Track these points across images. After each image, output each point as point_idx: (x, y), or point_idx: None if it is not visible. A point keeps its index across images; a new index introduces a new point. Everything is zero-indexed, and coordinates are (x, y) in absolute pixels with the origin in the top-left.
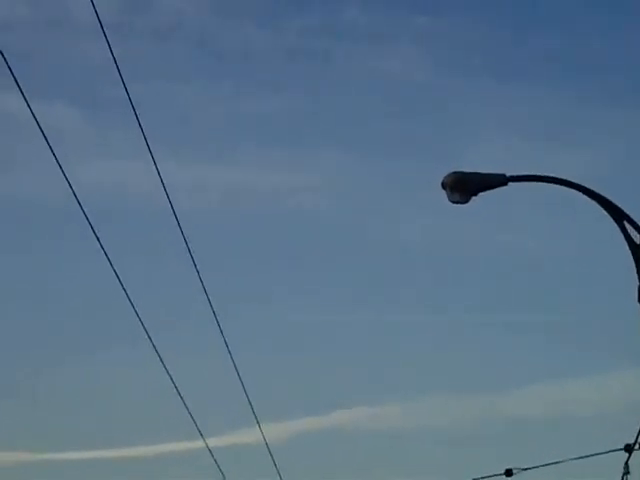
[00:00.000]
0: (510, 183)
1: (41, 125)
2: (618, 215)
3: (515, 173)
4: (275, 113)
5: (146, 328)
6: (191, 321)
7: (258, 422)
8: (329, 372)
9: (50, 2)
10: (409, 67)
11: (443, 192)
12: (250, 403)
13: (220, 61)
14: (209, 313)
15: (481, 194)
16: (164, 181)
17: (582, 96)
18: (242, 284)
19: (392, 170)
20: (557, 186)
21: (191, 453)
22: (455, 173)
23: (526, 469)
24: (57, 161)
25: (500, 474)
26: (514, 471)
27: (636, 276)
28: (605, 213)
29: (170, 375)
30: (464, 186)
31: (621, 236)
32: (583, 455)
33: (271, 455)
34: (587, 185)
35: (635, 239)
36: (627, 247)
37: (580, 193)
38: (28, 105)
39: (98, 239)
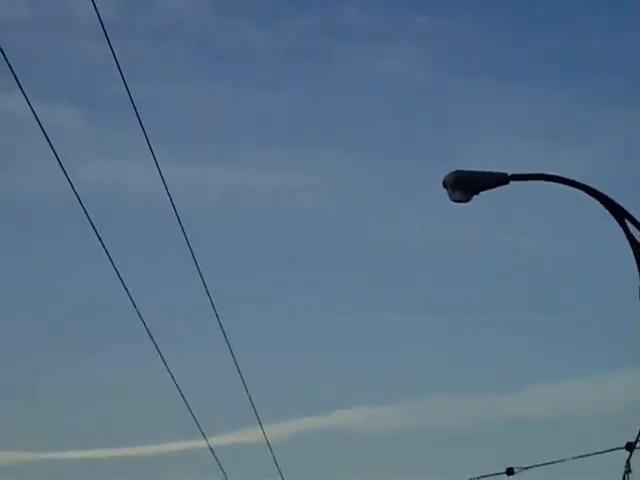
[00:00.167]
0: (512, 182)
1: (42, 125)
2: (620, 214)
3: (517, 173)
4: (275, 113)
5: (148, 328)
6: (192, 321)
7: (260, 422)
8: (330, 372)
9: (51, 2)
10: (409, 67)
11: (443, 192)
12: (252, 403)
13: (220, 61)
14: (210, 313)
15: (482, 194)
16: (165, 180)
17: (582, 96)
18: (242, 284)
19: (392, 170)
20: (557, 185)
21: (193, 453)
22: (457, 172)
23: (527, 468)
24: (59, 161)
25: (501, 473)
26: (515, 470)
27: (637, 275)
28: (607, 212)
29: (172, 375)
30: (465, 185)
31: (623, 235)
32: (584, 454)
33: (272, 455)
34: (588, 184)
35: (637, 238)
36: (629, 246)
37: (581, 192)
38: (30, 105)
39: (100, 239)
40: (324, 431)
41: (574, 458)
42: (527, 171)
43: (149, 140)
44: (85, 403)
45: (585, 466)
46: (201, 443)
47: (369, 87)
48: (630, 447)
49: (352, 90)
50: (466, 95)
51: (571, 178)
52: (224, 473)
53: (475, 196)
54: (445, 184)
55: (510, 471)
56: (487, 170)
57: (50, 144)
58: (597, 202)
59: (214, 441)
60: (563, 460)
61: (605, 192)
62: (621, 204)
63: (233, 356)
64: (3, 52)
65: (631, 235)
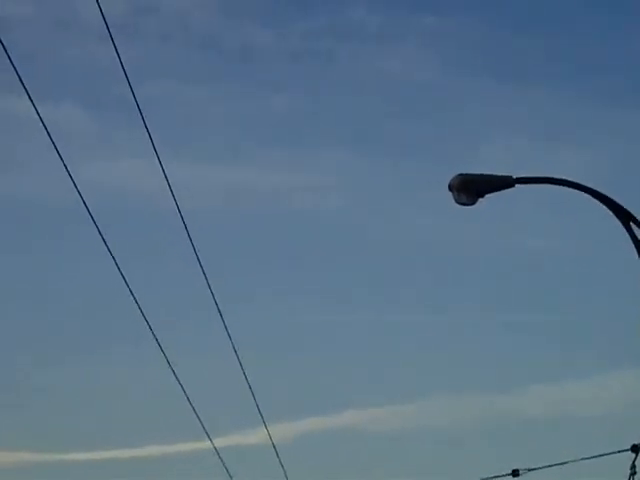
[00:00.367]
0: (516, 185)
1: (46, 125)
2: (625, 217)
3: (517, 173)
4: (279, 113)
5: (153, 328)
6: (194, 321)
7: (264, 422)
8: (334, 372)
9: (56, 3)
10: (413, 67)
11: (445, 192)
12: (256, 403)
13: (224, 62)
14: (212, 313)
15: (487, 196)
16: (170, 181)
17: (583, 96)
18: (244, 284)
19: (395, 170)
20: (562, 187)
21: (197, 453)
22: (462, 175)
23: (532, 469)
24: (62, 161)
25: (507, 474)
26: (520, 472)
27: None
28: (611, 215)
29: (176, 375)
30: (471, 188)
31: (626, 237)
32: (589, 456)
33: (278, 455)
34: (592, 187)
35: None
36: (632, 248)
37: (584, 194)
38: (34, 105)
39: (103, 239)
40: (330, 431)
41: (580, 460)
42: (528, 171)
43: (154, 140)
44: (88, 404)
45: (590, 468)
46: (206, 444)
47: (372, 87)
48: (636, 449)
49: (355, 90)
50: (471, 95)
51: (574, 180)
52: (229, 474)
53: (480, 199)
54: (451, 187)
55: (515, 473)
56: (490, 171)
57: (54, 144)
58: (602, 205)
59: (219, 442)
60: (568, 462)
61: (609, 194)
62: (626, 207)
63: (237, 356)
64: (7, 52)
65: (635, 237)
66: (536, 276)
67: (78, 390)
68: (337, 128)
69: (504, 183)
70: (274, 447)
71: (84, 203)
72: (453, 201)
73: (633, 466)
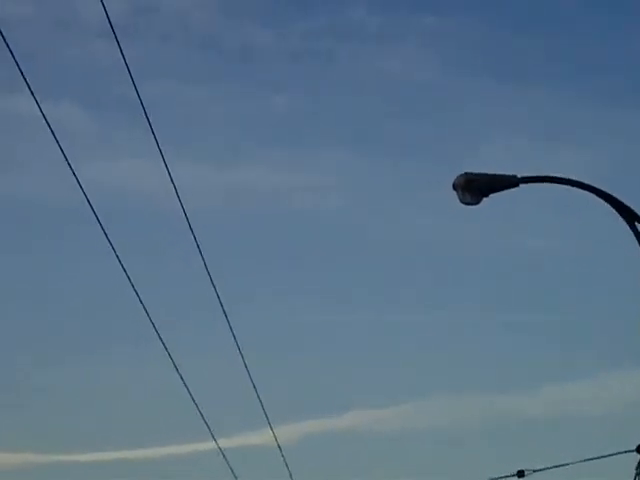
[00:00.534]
0: (521, 184)
1: (49, 123)
2: (629, 215)
3: (517, 173)
4: (279, 113)
5: (157, 328)
6: (197, 321)
7: (269, 423)
8: (336, 373)
9: (58, 2)
10: (413, 67)
11: (446, 192)
12: (261, 404)
13: (224, 62)
14: (216, 313)
15: (490, 195)
16: (174, 181)
17: (583, 96)
18: (246, 284)
19: (394, 170)
20: (564, 186)
21: (202, 454)
22: (466, 174)
23: (537, 471)
24: (67, 160)
25: (512, 475)
26: (526, 472)
27: None
28: (614, 213)
29: (181, 375)
30: (475, 188)
31: (631, 236)
32: (594, 456)
33: (283, 456)
34: (598, 185)
35: None
36: (637, 247)
37: (588, 193)
38: (38, 104)
39: (107, 237)
40: (335, 432)
41: (584, 461)
42: (528, 171)
43: (157, 140)
44: (91, 404)
45: (594, 468)
46: (211, 445)
47: (372, 87)
48: None
49: (355, 90)
50: (471, 95)
51: (578, 179)
52: (234, 475)
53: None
54: (455, 187)
55: (521, 473)
56: (492, 171)
57: (58, 143)
58: (606, 204)
59: (223, 442)
60: (573, 463)
61: (613, 193)
62: (631, 206)
63: (242, 356)
64: (11, 50)
65: None
66: (538, 276)
67: (81, 390)
68: (337, 128)
69: (509, 182)
70: (279, 448)
71: (88, 202)
72: (454, 201)
73: (638, 466)
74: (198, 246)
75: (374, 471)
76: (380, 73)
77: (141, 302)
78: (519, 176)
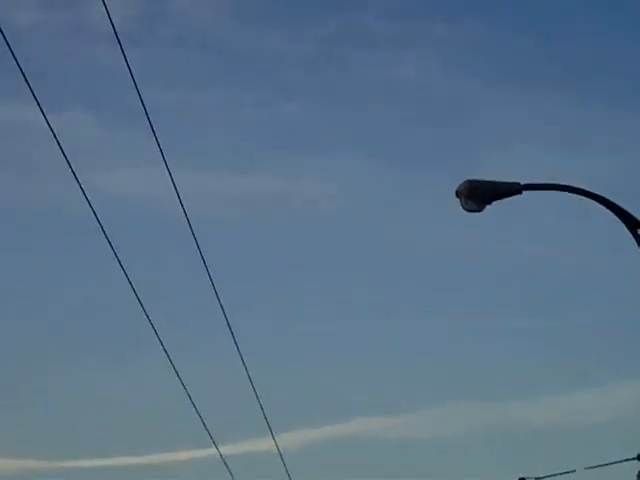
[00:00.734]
0: (524, 191)
1: (55, 132)
2: (632, 223)
3: (520, 179)
4: (291, 120)
5: (159, 335)
6: (201, 328)
7: (271, 430)
8: (341, 381)
9: (67, 10)
10: (424, 74)
11: (446, 197)
12: (263, 411)
13: (236, 68)
14: (221, 320)
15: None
16: (177, 188)
17: (598, 103)
18: (249, 291)
19: (407, 177)
20: (570, 194)
21: (204, 461)
22: (470, 182)
23: (539, 478)
24: (71, 168)
25: None
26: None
27: None
28: (618, 220)
29: (183, 383)
30: (478, 194)
31: (633, 243)
32: (596, 464)
33: (284, 463)
34: (603, 191)
35: None
36: None
37: (591, 200)
38: (44, 114)
39: (111, 244)
40: (337, 439)
41: (587, 469)
42: (543, 177)
43: (162, 147)
44: (94, 412)
45: (595, 476)
46: (213, 452)
47: (382, 93)
48: None
49: (368, 97)
50: (482, 102)
51: (587, 184)
52: None
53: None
54: (458, 194)
55: None
56: (503, 177)
57: (62, 151)
58: (609, 211)
59: (226, 450)
60: (574, 471)
61: (620, 200)
62: (634, 213)
63: (244, 363)
64: (17, 60)
65: None
66: (539, 281)
67: (84, 398)
68: (351, 135)
69: (511, 190)
70: (280, 455)
71: (91, 208)
72: (455, 205)
73: (639, 475)
74: (201, 253)
75: (378, 478)
76: (392, 80)
77: (143, 309)
78: (522, 183)
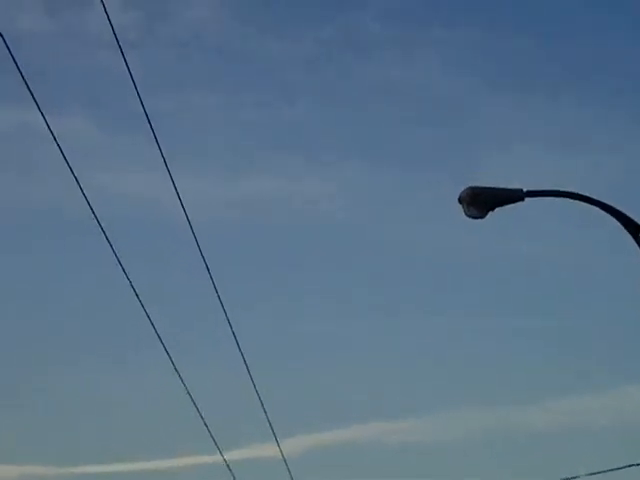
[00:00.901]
0: (526, 198)
1: (56, 136)
2: (634, 229)
3: (532, 178)
4: (291, 120)
5: (161, 338)
6: (203, 332)
7: (275, 436)
8: (342, 383)
9: (68, 13)
10: (425, 74)
11: (448, 199)
12: (267, 416)
13: (237, 71)
14: (223, 323)
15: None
16: (179, 192)
17: (602, 104)
18: (250, 293)
19: (409, 177)
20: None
21: (207, 467)
22: (472, 188)
23: None
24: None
25: None
26: None
27: None
28: (620, 226)
29: (187, 387)
30: (481, 201)
31: (636, 249)
32: (600, 470)
33: (288, 469)
34: (603, 191)
35: None
36: None
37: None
38: (44, 118)
39: (112, 247)
40: (341, 445)
41: (590, 474)
42: (543, 177)
43: (165, 151)
44: (96, 417)
45: None
46: (217, 457)
47: (384, 94)
48: None
49: (368, 97)
50: (482, 102)
51: (589, 187)
52: None
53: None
54: (460, 200)
55: None
56: (504, 180)
57: (63, 155)
58: (612, 217)
59: (229, 455)
60: (578, 476)
61: (620, 200)
62: (635, 215)
63: (247, 367)
64: (17, 63)
65: None
66: (542, 282)
67: (86, 403)
68: (352, 137)
69: (514, 196)
70: (284, 461)
71: (92, 211)
72: (455, 205)
73: None
74: (202, 256)
75: None
76: (390, 80)
77: (145, 311)
78: (525, 190)
